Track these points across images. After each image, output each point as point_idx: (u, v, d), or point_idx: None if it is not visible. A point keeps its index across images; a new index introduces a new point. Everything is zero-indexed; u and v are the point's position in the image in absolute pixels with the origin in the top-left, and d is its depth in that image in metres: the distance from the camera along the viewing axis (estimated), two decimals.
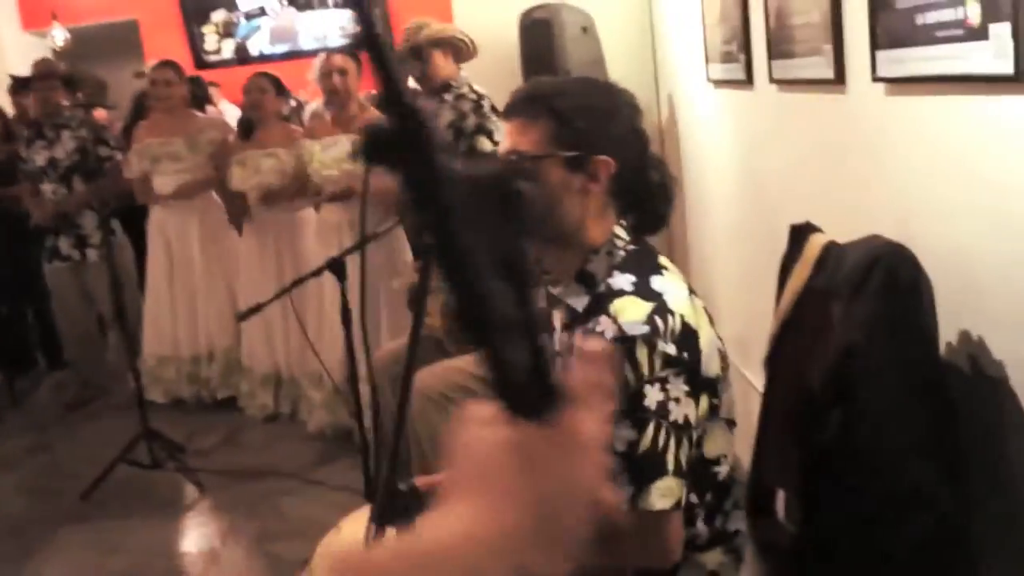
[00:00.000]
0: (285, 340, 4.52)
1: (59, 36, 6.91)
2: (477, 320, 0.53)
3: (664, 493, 1.50)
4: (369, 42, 0.52)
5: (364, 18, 0.52)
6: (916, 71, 1.71)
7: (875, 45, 1.86)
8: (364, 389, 3.24)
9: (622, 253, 1.63)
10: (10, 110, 5.83)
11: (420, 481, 1.84)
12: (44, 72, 4.89)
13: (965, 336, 1.61)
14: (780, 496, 1.99)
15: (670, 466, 1.50)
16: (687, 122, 4.31)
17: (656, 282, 1.57)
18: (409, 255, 4.15)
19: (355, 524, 1.96)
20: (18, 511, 3.96)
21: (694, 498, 1.63)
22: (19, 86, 5.09)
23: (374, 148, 0.54)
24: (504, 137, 1.71)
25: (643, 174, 1.69)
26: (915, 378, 1.54)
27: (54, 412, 5.15)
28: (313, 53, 9.35)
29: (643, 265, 1.62)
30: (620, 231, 1.66)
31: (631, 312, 1.52)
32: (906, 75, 1.76)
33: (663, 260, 1.66)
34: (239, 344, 4.80)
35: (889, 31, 1.79)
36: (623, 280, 1.58)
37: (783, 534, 1.92)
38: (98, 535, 3.64)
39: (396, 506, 1.38)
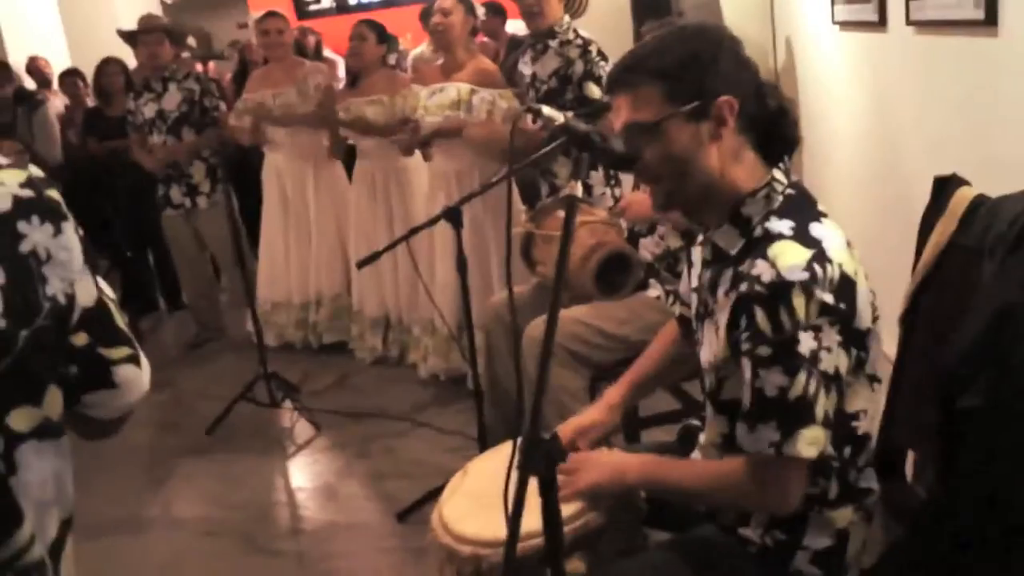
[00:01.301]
0: (395, 285, 4.61)
1: None
2: None
3: (811, 442, 1.49)
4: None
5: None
6: None
7: None
8: (477, 336, 3.30)
9: (780, 198, 1.60)
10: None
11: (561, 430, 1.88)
12: (148, 26, 5.02)
13: None
14: (909, 458, 1.96)
15: (819, 415, 1.49)
16: (807, 66, 4.18)
17: (816, 229, 1.54)
18: (521, 205, 4.15)
19: (481, 466, 2.02)
20: (146, 443, 4.16)
21: (831, 451, 1.61)
22: (125, 41, 5.24)
23: None
24: (616, 114, 1.67)
25: (762, 102, 1.64)
26: None
27: (176, 351, 5.39)
28: (411, 1, 9.43)
29: (802, 211, 1.58)
30: (779, 175, 1.63)
31: (790, 257, 1.49)
32: None
33: (822, 207, 1.62)
34: (348, 290, 4.92)
35: None
36: (782, 225, 1.55)
37: (912, 496, 1.89)
38: (221, 468, 3.82)
39: (538, 453, 1.40)
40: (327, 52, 7.43)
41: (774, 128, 1.64)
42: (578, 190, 1.53)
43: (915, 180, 1.99)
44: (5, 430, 0.85)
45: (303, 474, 3.78)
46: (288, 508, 3.52)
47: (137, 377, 0.97)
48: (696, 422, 2.04)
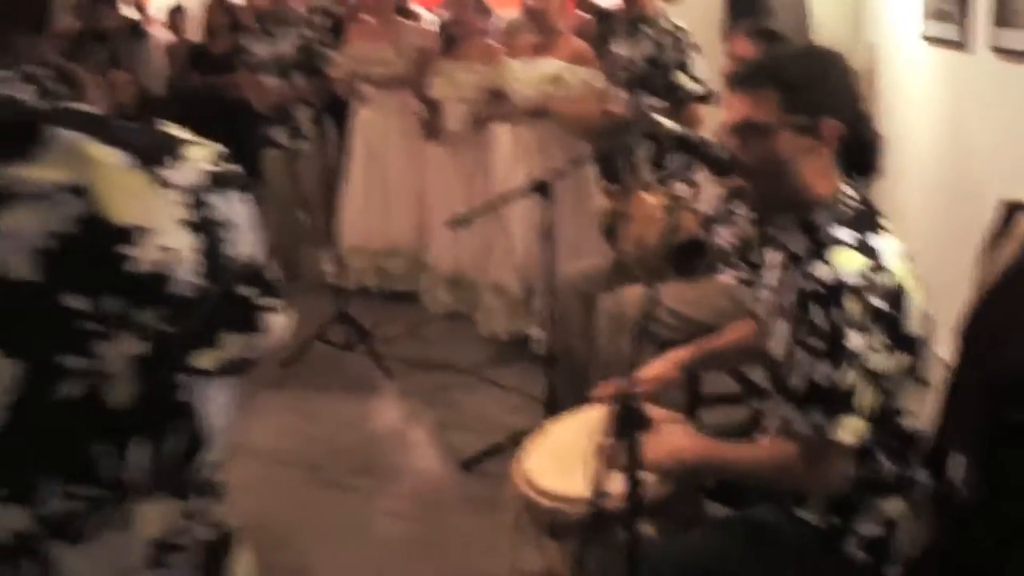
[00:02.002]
0: (469, 245, 4.76)
1: None
2: None
3: (850, 429, 1.67)
4: None
5: None
6: None
7: None
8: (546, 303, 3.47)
9: (848, 210, 1.78)
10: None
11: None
12: None
13: None
14: (956, 460, 2.11)
15: (859, 407, 1.67)
16: (889, 75, 4.26)
17: (875, 240, 1.72)
18: (596, 182, 4.31)
19: (562, 427, 2.20)
20: None
21: (878, 441, 1.76)
22: None
23: None
24: (730, 108, 1.85)
25: (859, 130, 1.82)
26: None
27: None
28: None
29: (865, 223, 1.76)
30: (848, 189, 1.81)
31: (848, 262, 1.67)
32: None
33: (884, 220, 1.80)
34: (423, 243, 5.12)
35: None
36: (844, 233, 1.72)
37: (958, 497, 2.05)
38: (296, 402, 4.06)
39: (629, 418, 1.58)
40: (416, 8, 7.56)
41: (862, 155, 1.82)
42: (683, 190, 1.72)
43: (984, 202, 2.12)
44: (194, 369, 1.02)
45: (372, 416, 4.02)
46: (357, 447, 3.73)
47: (282, 323, 1.12)
48: (760, 407, 2.22)
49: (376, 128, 5.15)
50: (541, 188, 3.14)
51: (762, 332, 1.99)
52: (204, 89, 6.00)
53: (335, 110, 5.53)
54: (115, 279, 0.93)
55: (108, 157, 0.94)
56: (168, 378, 1.00)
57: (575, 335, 3.45)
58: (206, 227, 0.99)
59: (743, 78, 1.83)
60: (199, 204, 0.99)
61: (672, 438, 1.91)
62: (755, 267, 3.10)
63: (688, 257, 3.07)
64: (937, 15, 3.38)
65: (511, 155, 4.51)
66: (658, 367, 2.19)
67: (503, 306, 4.48)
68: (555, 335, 3.40)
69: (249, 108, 5.41)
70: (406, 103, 5.12)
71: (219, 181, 1.01)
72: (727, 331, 2.30)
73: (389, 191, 5.17)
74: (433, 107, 4.90)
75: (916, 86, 3.71)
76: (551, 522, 1.92)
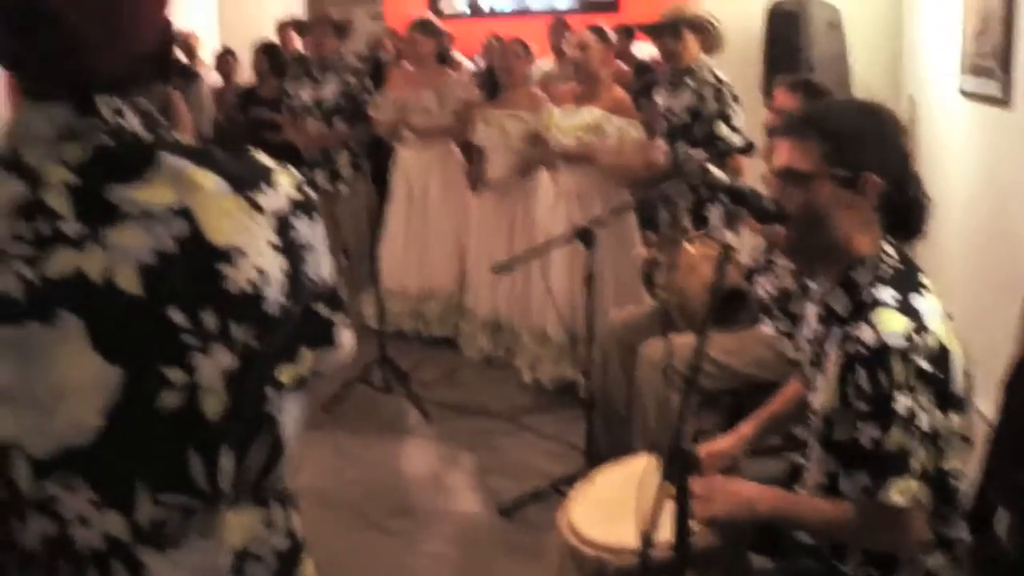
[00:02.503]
0: (508, 290, 4.81)
1: None
2: None
3: (903, 491, 1.68)
4: None
5: None
6: None
7: None
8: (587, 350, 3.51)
9: (888, 269, 1.80)
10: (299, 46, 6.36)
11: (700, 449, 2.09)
12: (319, 18, 5.39)
13: None
14: (1001, 516, 2.11)
15: (913, 468, 1.68)
16: (928, 129, 4.29)
17: (917, 300, 1.74)
18: (637, 229, 4.36)
19: (608, 477, 2.22)
20: None
21: (927, 502, 1.78)
22: (294, 30, 5.57)
23: None
24: (776, 155, 1.90)
25: (904, 189, 1.85)
26: None
27: None
28: (541, 12, 9.70)
29: (907, 283, 1.78)
30: (889, 248, 1.83)
31: (891, 324, 1.69)
32: None
33: (925, 279, 1.82)
34: (461, 288, 5.17)
35: None
36: (886, 294, 1.74)
37: (1003, 552, 2.05)
38: (336, 443, 4.09)
39: (680, 464, 1.61)
40: (456, 54, 7.71)
41: (906, 215, 1.85)
42: (731, 239, 1.76)
43: (1022, 256, 2.14)
44: (276, 383, 1.07)
45: (412, 459, 4.05)
46: (396, 490, 3.76)
47: (350, 339, 1.17)
48: (800, 459, 2.24)
49: (417, 174, 5.24)
50: (583, 235, 3.19)
51: (804, 384, 2.02)
52: (249, 132, 6.15)
53: (376, 155, 5.64)
54: (214, 296, 0.99)
55: (208, 182, 1.00)
56: (257, 391, 1.05)
57: (615, 382, 3.48)
58: (291, 250, 1.06)
59: (790, 125, 1.87)
60: (286, 228, 1.05)
61: (743, 487, 1.93)
62: (795, 318, 3.13)
63: (731, 307, 3.09)
64: (975, 71, 3.42)
65: (553, 201, 4.57)
66: (725, 444, 2.22)
67: (544, 352, 4.51)
68: (595, 382, 3.43)
69: (292, 151, 5.54)
70: (447, 149, 5.23)
71: (302, 207, 1.08)
72: (780, 393, 2.33)
73: (429, 236, 5.25)
74: (477, 154, 4.99)
75: (955, 141, 3.74)
76: (596, 572, 1.93)
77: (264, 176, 1.07)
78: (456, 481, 3.80)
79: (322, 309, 1.11)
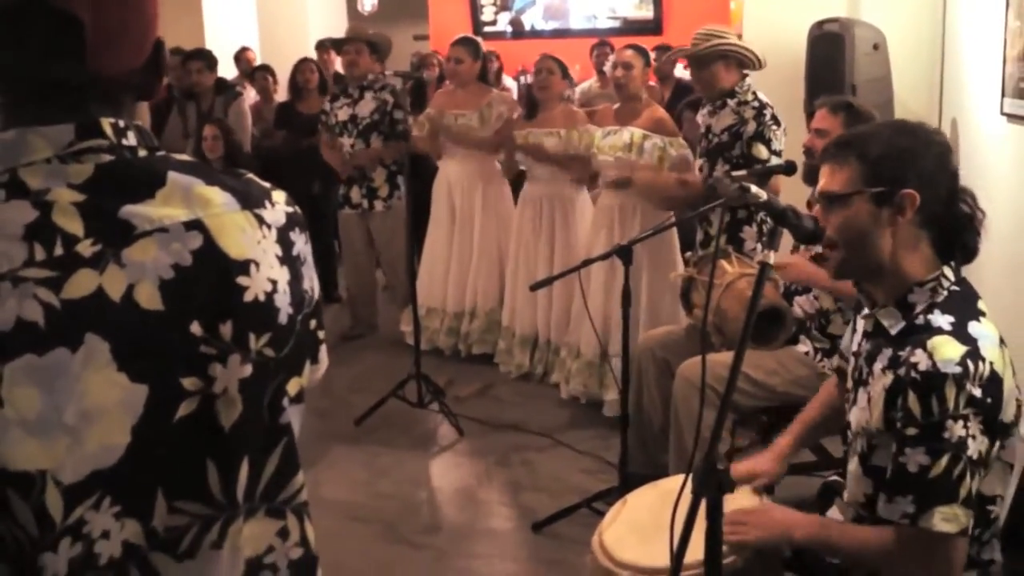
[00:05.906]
0: (547, 307, 4.82)
1: (367, 1, 7.51)
2: None
3: (948, 518, 1.66)
4: None
5: None
6: None
7: None
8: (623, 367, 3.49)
9: (945, 293, 1.79)
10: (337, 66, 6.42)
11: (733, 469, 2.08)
12: (354, 36, 5.44)
13: None
14: None
15: (961, 495, 1.66)
16: (970, 151, 4.25)
17: (973, 327, 1.72)
18: (676, 249, 4.36)
19: (640, 499, 2.21)
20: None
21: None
22: (331, 47, 5.64)
23: None
24: (821, 178, 1.90)
25: (952, 207, 1.83)
26: None
27: (329, 341, 5.71)
28: (582, 32, 9.75)
29: (964, 308, 1.76)
30: (948, 272, 1.81)
31: (946, 351, 1.67)
32: None
33: (982, 306, 1.79)
34: (500, 305, 5.17)
35: None
36: (942, 319, 1.73)
37: None
38: (368, 458, 4.10)
39: (713, 481, 1.59)
40: (505, 78, 7.76)
41: (957, 232, 1.83)
42: (770, 258, 1.75)
43: None
44: (287, 395, 1.09)
45: (445, 474, 4.05)
46: (429, 505, 3.77)
47: (324, 358, 1.18)
48: (837, 478, 2.22)
49: (459, 189, 5.27)
50: (622, 253, 3.19)
51: (843, 397, 2.00)
52: (287, 148, 6.23)
53: (415, 174, 5.68)
54: (232, 307, 1.00)
55: (218, 198, 1.02)
56: (274, 401, 1.06)
57: (651, 400, 3.47)
58: (292, 263, 1.08)
59: (833, 151, 1.88)
60: (287, 242, 1.08)
61: (780, 515, 1.92)
62: (832, 338, 3.11)
63: (768, 326, 3.08)
64: (1017, 93, 3.38)
65: (593, 221, 4.60)
66: (763, 463, 2.21)
67: (580, 369, 4.51)
68: (631, 399, 3.42)
69: (328, 168, 5.61)
70: (491, 166, 5.25)
71: (295, 221, 1.11)
72: (819, 393, 2.32)
73: (468, 253, 5.27)
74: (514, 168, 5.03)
75: (997, 162, 3.70)
76: None
77: (265, 194, 1.09)
78: (489, 497, 3.79)
79: (313, 324, 1.12)
